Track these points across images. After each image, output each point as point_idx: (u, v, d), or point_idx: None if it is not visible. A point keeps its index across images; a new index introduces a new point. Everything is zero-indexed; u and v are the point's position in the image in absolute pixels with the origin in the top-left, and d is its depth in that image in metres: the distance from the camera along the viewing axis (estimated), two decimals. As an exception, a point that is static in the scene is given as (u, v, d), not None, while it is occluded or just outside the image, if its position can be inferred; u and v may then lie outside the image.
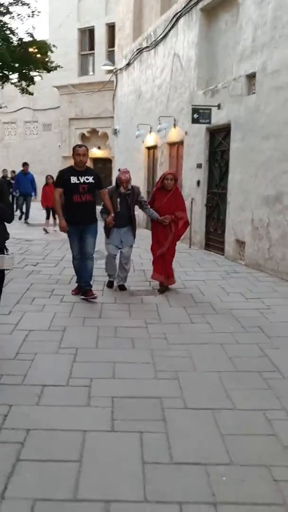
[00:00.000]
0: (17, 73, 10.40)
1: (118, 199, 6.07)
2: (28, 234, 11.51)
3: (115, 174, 15.84)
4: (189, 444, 2.75)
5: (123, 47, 15.24)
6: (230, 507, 2.25)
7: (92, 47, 22.52)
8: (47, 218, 12.43)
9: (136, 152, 14.11)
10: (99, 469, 2.50)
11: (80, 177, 5.63)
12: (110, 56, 19.65)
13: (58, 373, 3.64)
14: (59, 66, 11.63)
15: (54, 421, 2.95)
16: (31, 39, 10.14)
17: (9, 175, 19.95)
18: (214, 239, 9.57)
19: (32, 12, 9.85)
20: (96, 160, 22.46)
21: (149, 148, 13.27)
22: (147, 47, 12.74)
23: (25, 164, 14.79)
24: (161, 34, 11.64)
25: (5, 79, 10.52)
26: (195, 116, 8.93)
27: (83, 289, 5.84)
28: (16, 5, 9.66)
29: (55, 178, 6.66)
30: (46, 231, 12.14)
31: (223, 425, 2.97)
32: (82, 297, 5.79)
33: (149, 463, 2.56)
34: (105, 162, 21.81)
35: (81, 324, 4.90)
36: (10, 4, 9.60)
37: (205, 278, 7.19)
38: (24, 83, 10.84)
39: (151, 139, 12.74)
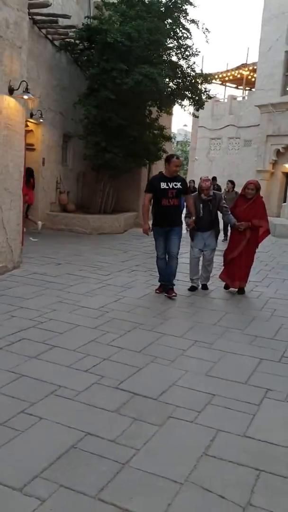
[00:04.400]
0: (188, 99, 12.80)
1: (201, 205, 6.60)
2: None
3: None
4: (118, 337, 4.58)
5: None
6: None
7: (297, 68, 23.48)
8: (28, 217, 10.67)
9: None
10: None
11: (169, 183, 6.17)
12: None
13: (95, 303, 5.77)
14: (214, 95, 13.73)
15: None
16: (196, 72, 12.44)
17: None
18: None
19: (194, 53, 12.15)
20: (286, 174, 23.38)
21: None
22: None
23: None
24: None
25: (173, 103, 13.06)
26: None
27: (166, 287, 6.47)
28: (180, 48, 12.10)
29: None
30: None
31: (142, 340, 4.67)
32: (165, 294, 6.42)
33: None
34: (296, 176, 22.57)
35: (145, 287, 6.88)
36: (176, 47, 12.10)
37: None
38: (192, 108, 13.22)
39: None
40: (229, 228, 8.63)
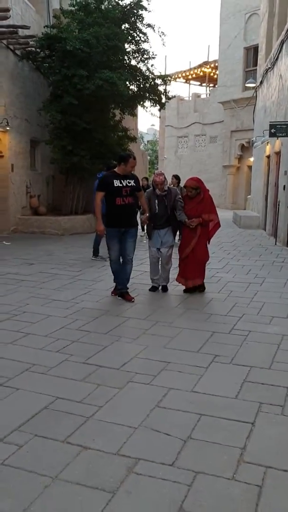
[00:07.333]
0: (149, 101, 13.40)
1: (156, 201, 6.36)
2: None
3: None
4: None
5: (261, 66, 16.92)
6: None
7: (255, 64, 24.29)
8: None
9: (260, 161, 15.72)
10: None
11: (122, 181, 5.87)
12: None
13: (66, 296, 6.26)
14: (173, 96, 14.38)
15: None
16: (154, 74, 13.08)
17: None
18: (291, 237, 10.89)
19: (151, 56, 12.82)
20: (251, 168, 24.20)
21: (267, 157, 14.79)
22: (269, 67, 14.33)
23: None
24: (275, 56, 13.19)
25: (135, 105, 13.66)
26: (272, 130, 10.47)
27: (120, 292, 6.21)
28: (138, 52, 12.72)
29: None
30: None
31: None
32: (119, 298, 6.21)
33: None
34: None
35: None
36: (134, 51, 12.70)
37: (247, 264, 8.86)
38: (154, 108, 13.87)
39: (268, 150, 14.30)
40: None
